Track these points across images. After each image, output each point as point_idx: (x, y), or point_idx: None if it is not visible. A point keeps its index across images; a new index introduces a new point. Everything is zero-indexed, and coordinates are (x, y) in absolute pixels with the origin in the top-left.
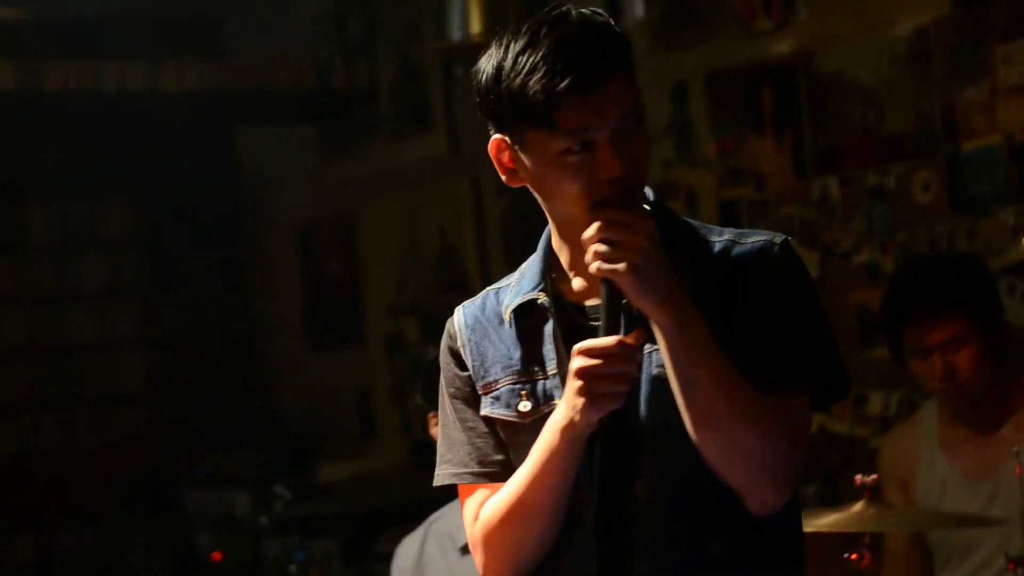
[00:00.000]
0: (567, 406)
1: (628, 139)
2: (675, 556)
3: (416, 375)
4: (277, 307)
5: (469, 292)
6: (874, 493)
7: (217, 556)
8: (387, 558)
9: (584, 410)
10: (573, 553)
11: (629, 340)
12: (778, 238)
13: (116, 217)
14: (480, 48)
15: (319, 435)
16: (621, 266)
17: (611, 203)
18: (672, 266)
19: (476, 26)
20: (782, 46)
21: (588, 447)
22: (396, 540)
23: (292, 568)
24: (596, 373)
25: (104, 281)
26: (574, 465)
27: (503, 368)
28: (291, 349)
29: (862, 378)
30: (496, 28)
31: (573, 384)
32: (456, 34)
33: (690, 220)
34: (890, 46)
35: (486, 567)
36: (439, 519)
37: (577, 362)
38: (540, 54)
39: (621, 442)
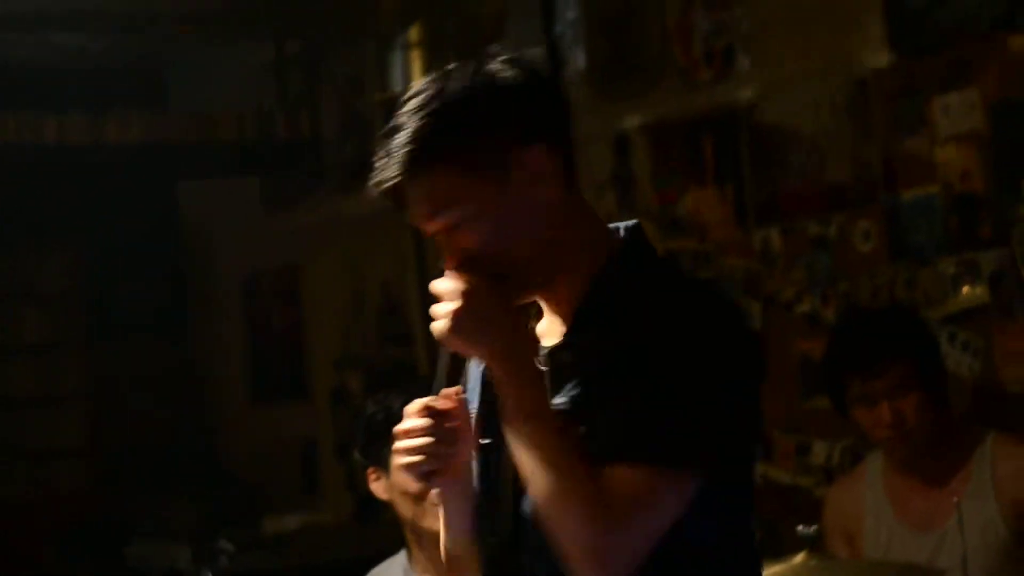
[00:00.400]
0: None
1: (454, 232)
2: None
3: (357, 430)
4: (221, 359)
5: (413, 345)
6: (816, 544)
7: None
8: None
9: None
10: None
11: (436, 403)
12: (710, 297)
13: (57, 269)
14: None
15: (263, 488)
16: (439, 328)
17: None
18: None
19: (418, 78)
20: (723, 97)
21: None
22: None
23: None
24: (399, 447)
25: (45, 333)
26: (453, 519)
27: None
28: (235, 401)
29: (805, 428)
30: None
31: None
32: (398, 85)
33: (660, 260)
34: (830, 97)
35: None
36: (381, 573)
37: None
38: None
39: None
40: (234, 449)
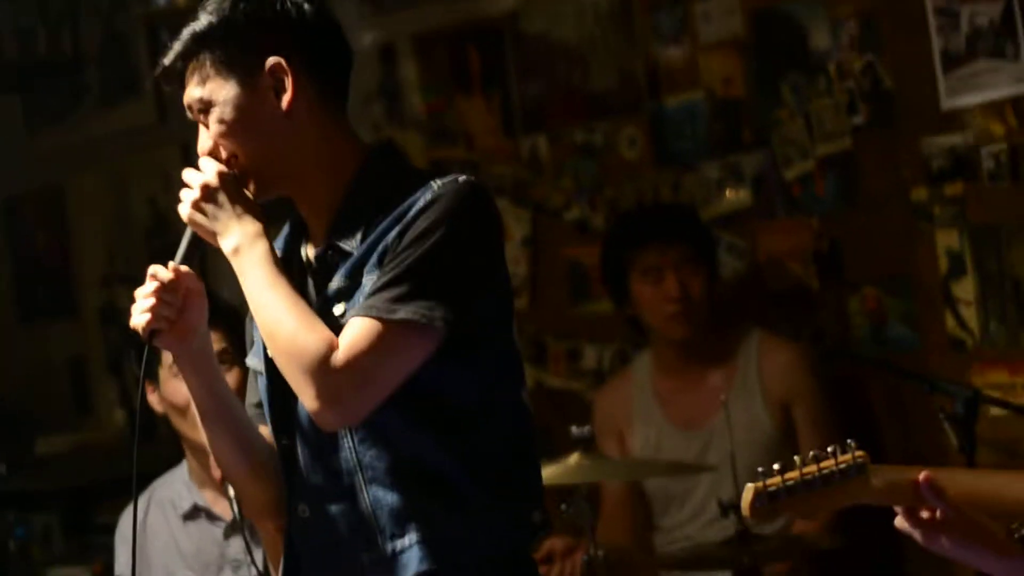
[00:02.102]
0: None
1: (206, 120)
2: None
3: (130, 345)
4: None
5: None
6: (589, 445)
7: None
8: (108, 529)
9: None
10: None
11: (163, 271)
12: (453, 178)
13: None
14: (185, 14)
15: (33, 408)
16: (182, 210)
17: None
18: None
19: None
20: (487, 7)
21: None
22: (116, 511)
23: (11, 544)
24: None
25: None
26: (196, 391)
27: None
28: (1, 323)
29: (575, 332)
30: None
31: None
32: (160, 1)
33: (410, 167)
34: (593, 5)
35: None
36: (160, 486)
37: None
38: None
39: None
40: (4, 370)
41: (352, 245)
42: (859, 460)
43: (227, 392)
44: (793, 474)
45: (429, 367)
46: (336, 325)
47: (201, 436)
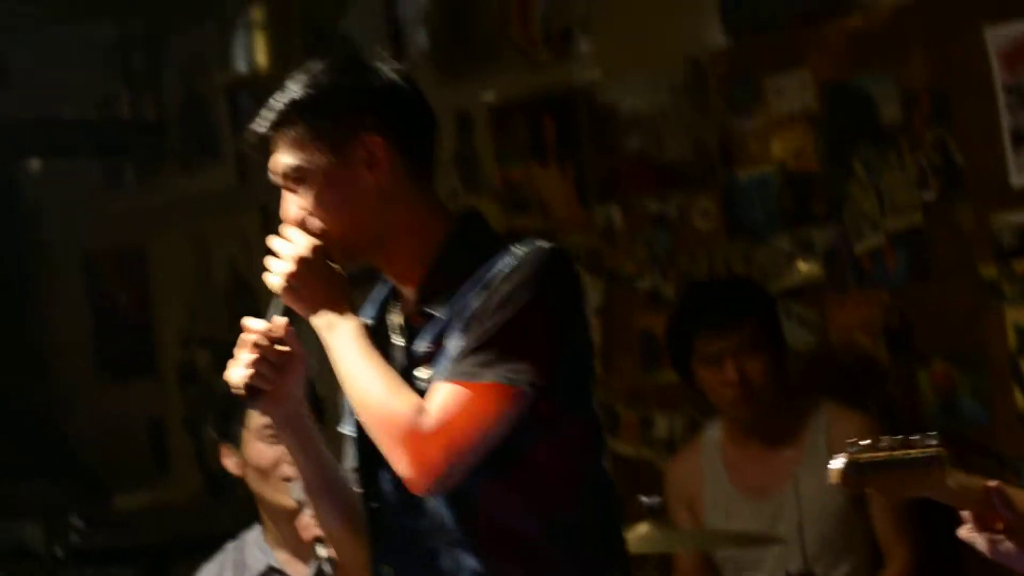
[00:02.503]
0: None
1: (290, 198)
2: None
3: (208, 406)
4: (65, 339)
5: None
6: (658, 514)
7: None
8: None
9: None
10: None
11: (266, 328)
12: (537, 244)
13: None
14: (266, 80)
15: (111, 465)
16: (272, 281)
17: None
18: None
19: (262, 58)
20: (562, 77)
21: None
22: (192, 569)
23: None
24: (231, 363)
25: None
26: (295, 454)
27: None
28: (81, 380)
29: (646, 401)
30: (281, 61)
31: None
32: (241, 66)
33: (495, 235)
34: (667, 78)
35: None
36: (235, 548)
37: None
38: None
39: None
40: (82, 427)
41: (439, 311)
42: (941, 454)
43: (326, 455)
44: (882, 453)
45: (513, 431)
46: (421, 389)
47: (282, 498)
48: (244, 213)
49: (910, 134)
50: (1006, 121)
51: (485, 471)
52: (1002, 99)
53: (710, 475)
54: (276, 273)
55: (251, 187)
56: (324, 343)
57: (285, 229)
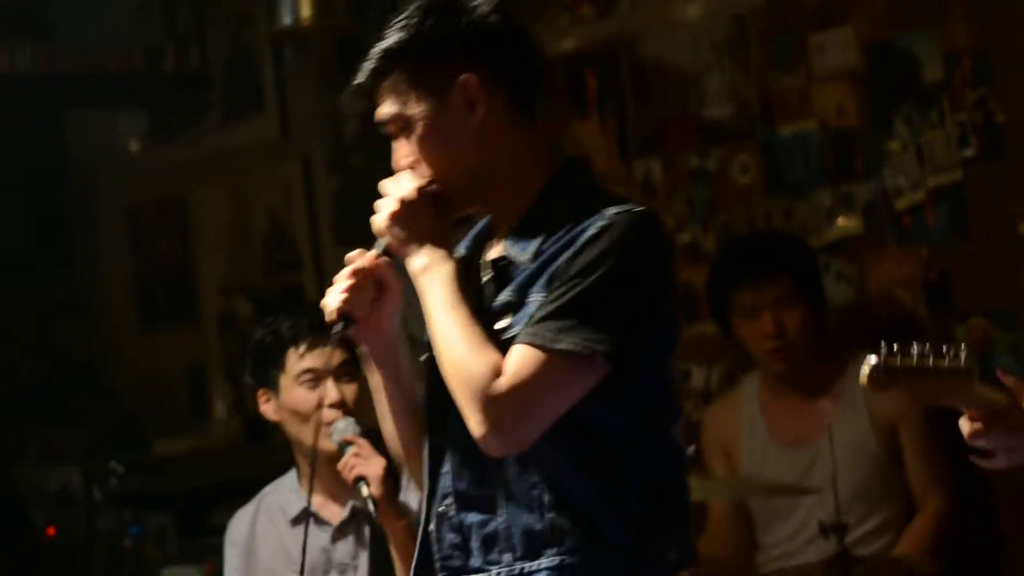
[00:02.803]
0: None
1: (401, 142)
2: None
3: (247, 353)
4: (107, 287)
5: (301, 271)
6: (694, 462)
7: (51, 531)
8: (221, 532)
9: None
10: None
11: (362, 259)
12: (628, 208)
13: None
14: (311, 32)
15: (152, 411)
16: (376, 221)
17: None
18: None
19: (306, 11)
20: (605, 32)
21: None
22: (230, 514)
23: (127, 543)
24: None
25: None
26: (383, 382)
27: None
28: (122, 328)
29: (684, 353)
30: (325, 14)
31: None
32: (286, 19)
33: (593, 187)
34: (709, 33)
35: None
36: (270, 493)
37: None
38: None
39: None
40: (123, 374)
41: (524, 258)
42: (971, 365)
43: (414, 386)
44: (910, 359)
45: (583, 397)
46: (498, 339)
47: (322, 442)
48: (286, 164)
49: (951, 92)
50: None
51: (548, 433)
52: None
53: (747, 424)
54: (380, 213)
55: (293, 139)
56: (416, 285)
57: (398, 173)
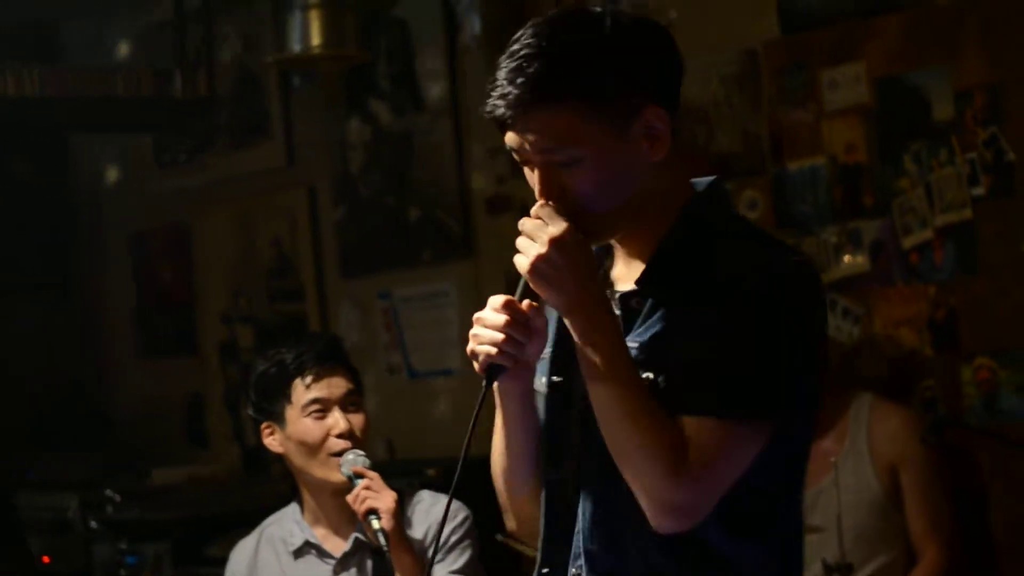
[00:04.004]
0: None
1: (559, 172)
2: (591, 558)
3: (249, 384)
4: (108, 314)
5: (304, 301)
6: None
7: (46, 560)
8: (218, 563)
9: (474, 358)
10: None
11: (519, 305)
12: (789, 256)
13: None
14: (319, 60)
15: (151, 440)
16: (523, 267)
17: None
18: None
19: (316, 39)
20: None
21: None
22: (228, 545)
23: (123, 572)
24: (473, 332)
25: None
26: (511, 420)
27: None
28: (123, 355)
29: None
30: (335, 42)
31: None
32: (296, 46)
33: (732, 218)
34: (720, 68)
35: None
36: (272, 524)
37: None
38: (497, 72)
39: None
40: (123, 402)
41: (665, 292)
42: None
43: (538, 426)
44: None
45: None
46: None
47: (330, 474)
48: (291, 192)
49: (962, 130)
50: None
51: None
52: None
53: None
54: (525, 254)
55: (299, 167)
56: (573, 332)
57: (539, 207)
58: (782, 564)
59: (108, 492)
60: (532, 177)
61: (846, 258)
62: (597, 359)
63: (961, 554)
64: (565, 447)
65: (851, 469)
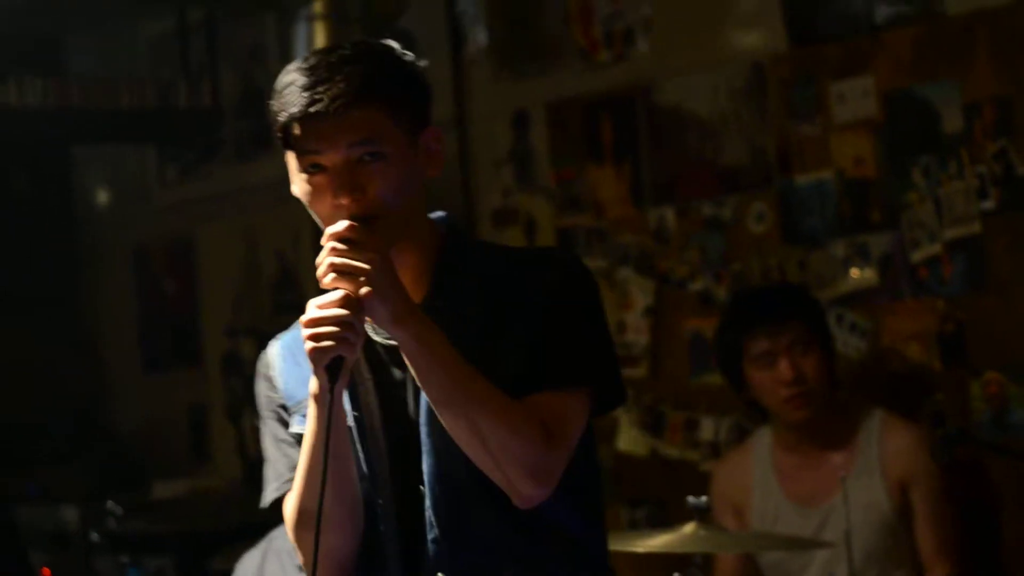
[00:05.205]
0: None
1: (364, 168)
2: (453, 557)
3: (252, 395)
4: (111, 327)
5: None
6: (705, 515)
7: (47, 572)
8: (220, 575)
9: (312, 359)
10: (381, 549)
11: (357, 293)
12: (560, 252)
13: None
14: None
15: (154, 453)
16: (362, 291)
17: (338, 230)
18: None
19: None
20: (622, 78)
21: (373, 447)
22: (232, 558)
23: None
24: (316, 319)
25: None
26: (334, 434)
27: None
28: (125, 368)
29: (693, 403)
30: None
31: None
32: (301, 57)
33: (482, 241)
34: (727, 81)
35: (305, 563)
36: (278, 537)
37: (306, 315)
38: (294, 76)
39: (404, 444)
40: (125, 414)
41: (458, 306)
42: None
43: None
44: None
45: None
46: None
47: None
48: (295, 205)
49: (971, 144)
50: None
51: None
52: None
53: (759, 482)
54: (349, 272)
55: None
56: (407, 339)
57: (347, 229)
58: (599, 522)
59: (110, 505)
60: (315, 185)
61: (854, 272)
62: (440, 358)
63: (971, 572)
64: (382, 475)
65: (861, 486)
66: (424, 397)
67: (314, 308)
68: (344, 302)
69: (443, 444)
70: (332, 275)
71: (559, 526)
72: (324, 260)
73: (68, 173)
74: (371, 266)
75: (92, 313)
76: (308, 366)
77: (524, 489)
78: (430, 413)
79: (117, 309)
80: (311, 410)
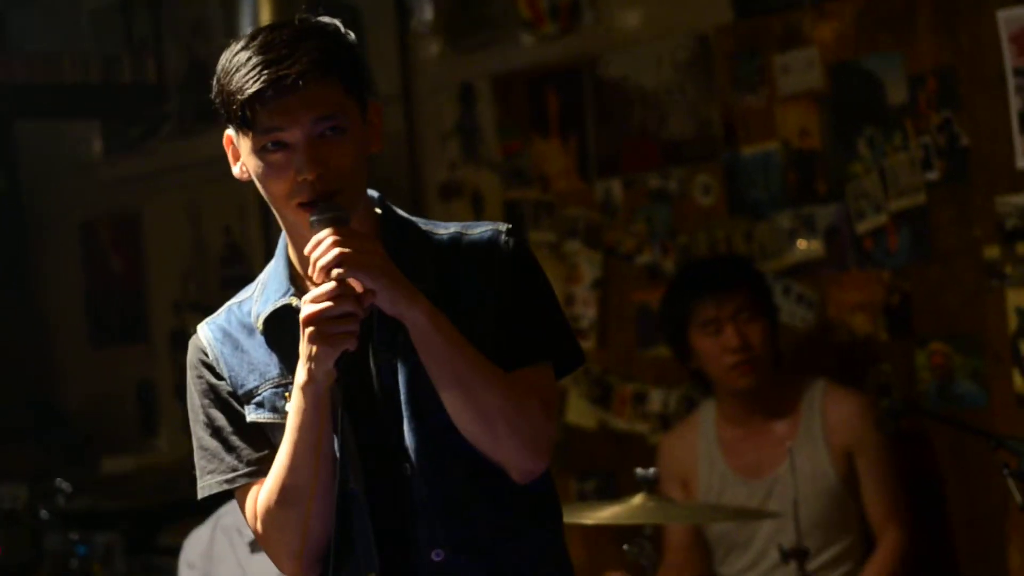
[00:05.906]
0: (303, 361)
1: (326, 143)
2: (449, 531)
3: None
4: (58, 303)
5: None
6: (653, 486)
7: None
8: (171, 551)
9: (318, 356)
10: (355, 532)
11: (354, 286)
12: (503, 226)
13: None
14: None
15: (101, 429)
16: (364, 264)
17: (314, 204)
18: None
19: (266, 21)
20: (568, 51)
21: (344, 424)
22: (180, 534)
23: (74, 562)
24: (323, 316)
25: None
26: (326, 424)
27: (261, 375)
28: (73, 345)
29: (641, 375)
30: None
31: (304, 334)
32: (246, 30)
33: (413, 218)
34: (672, 53)
35: (275, 556)
36: (227, 514)
37: (305, 310)
38: (248, 55)
39: (386, 422)
40: (73, 391)
41: (416, 285)
42: None
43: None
44: None
45: None
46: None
47: None
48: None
49: (916, 115)
50: (1015, 104)
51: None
52: (1012, 82)
53: (704, 454)
54: (362, 255)
55: None
56: (419, 320)
57: (330, 233)
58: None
59: (58, 482)
60: (273, 163)
61: (800, 243)
62: (454, 337)
63: (918, 537)
64: (355, 462)
65: (806, 456)
66: (403, 377)
67: (319, 304)
68: (351, 295)
69: (429, 420)
70: (338, 269)
71: (528, 491)
72: (328, 253)
73: (11, 148)
74: (378, 253)
75: (39, 289)
76: (253, 352)
77: (526, 464)
78: (411, 391)
79: (64, 285)
80: (297, 401)
